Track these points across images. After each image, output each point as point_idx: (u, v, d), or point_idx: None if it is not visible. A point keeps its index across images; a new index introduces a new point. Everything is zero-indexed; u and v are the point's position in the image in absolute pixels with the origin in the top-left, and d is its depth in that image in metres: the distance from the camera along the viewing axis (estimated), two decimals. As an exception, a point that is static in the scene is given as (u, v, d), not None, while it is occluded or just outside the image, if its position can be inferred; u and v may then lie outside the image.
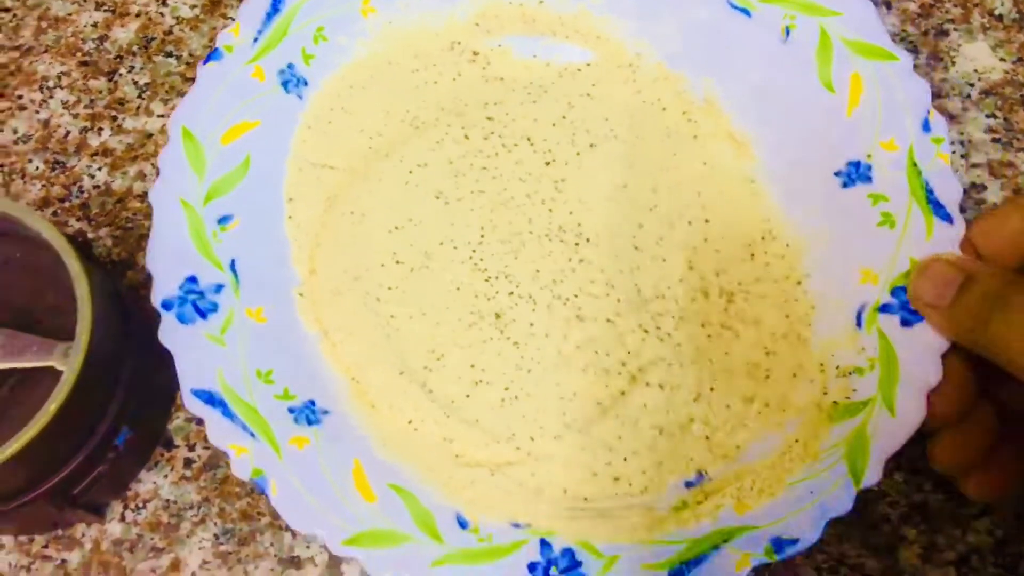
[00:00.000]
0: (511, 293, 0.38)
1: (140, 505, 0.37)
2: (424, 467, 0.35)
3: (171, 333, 0.34)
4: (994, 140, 0.44)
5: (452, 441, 0.35)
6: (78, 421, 0.32)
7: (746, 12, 0.41)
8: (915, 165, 0.37)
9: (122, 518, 0.37)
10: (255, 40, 0.40)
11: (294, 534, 0.37)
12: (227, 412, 0.33)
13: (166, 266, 0.36)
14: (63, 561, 0.36)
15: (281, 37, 0.41)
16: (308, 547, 0.36)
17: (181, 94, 0.45)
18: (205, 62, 0.39)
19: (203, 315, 0.35)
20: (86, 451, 0.33)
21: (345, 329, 0.37)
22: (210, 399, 0.34)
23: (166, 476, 0.38)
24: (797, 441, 0.34)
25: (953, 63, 0.40)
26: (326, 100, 0.41)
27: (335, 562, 0.36)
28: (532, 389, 0.36)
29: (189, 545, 0.36)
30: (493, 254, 0.39)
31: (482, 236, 0.39)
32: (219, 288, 0.36)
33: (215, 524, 0.37)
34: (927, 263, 0.34)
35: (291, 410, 0.34)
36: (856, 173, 0.38)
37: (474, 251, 0.39)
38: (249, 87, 0.40)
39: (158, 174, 0.37)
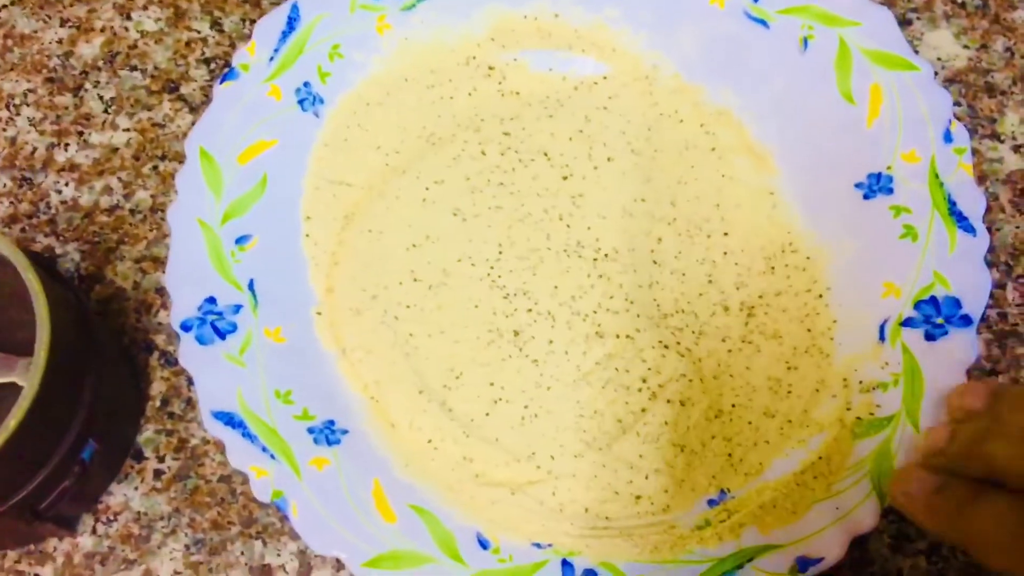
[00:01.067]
0: (529, 310, 0.38)
1: (111, 518, 0.37)
2: (444, 487, 0.34)
3: (190, 354, 0.34)
4: (959, 127, 0.44)
5: (472, 460, 0.35)
6: (40, 436, 0.32)
7: (764, 23, 0.41)
8: (937, 176, 0.37)
9: (93, 531, 0.37)
10: (271, 59, 0.40)
11: (264, 542, 0.37)
12: (247, 433, 0.33)
13: (184, 287, 0.36)
14: (36, 575, 0.36)
15: (297, 55, 0.41)
16: (279, 555, 0.36)
17: (147, 108, 0.45)
18: (221, 81, 0.39)
19: (222, 336, 0.35)
20: (50, 466, 0.33)
21: (363, 348, 0.37)
22: (229, 420, 0.34)
23: (136, 488, 0.38)
24: (821, 458, 0.34)
25: (917, 52, 0.40)
26: (342, 118, 0.41)
27: (305, 570, 0.36)
28: (552, 407, 0.36)
29: (160, 556, 0.37)
30: (511, 271, 0.39)
31: (500, 253, 0.39)
32: (237, 308, 0.36)
33: (186, 535, 0.37)
34: (907, 471, 0.32)
35: (310, 430, 0.34)
36: (877, 185, 0.38)
37: (492, 268, 0.39)
38: (265, 106, 0.40)
39: (176, 194, 0.37)
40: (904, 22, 0.46)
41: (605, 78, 0.43)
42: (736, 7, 0.42)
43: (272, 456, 0.33)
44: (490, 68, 0.43)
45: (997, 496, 0.29)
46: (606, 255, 0.39)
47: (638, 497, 0.35)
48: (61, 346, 0.31)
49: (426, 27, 0.43)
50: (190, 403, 0.39)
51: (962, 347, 0.34)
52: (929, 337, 0.34)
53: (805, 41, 0.41)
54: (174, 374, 0.39)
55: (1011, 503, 0.28)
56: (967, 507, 0.29)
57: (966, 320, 0.34)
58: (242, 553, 0.36)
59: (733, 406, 0.36)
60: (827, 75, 0.40)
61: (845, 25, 0.40)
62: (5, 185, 0.43)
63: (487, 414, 0.36)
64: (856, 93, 0.39)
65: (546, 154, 0.41)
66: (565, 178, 0.41)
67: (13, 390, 0.31)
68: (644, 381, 0.37)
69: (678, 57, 0.43)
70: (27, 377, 0.31)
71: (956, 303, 0.35)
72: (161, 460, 0.38)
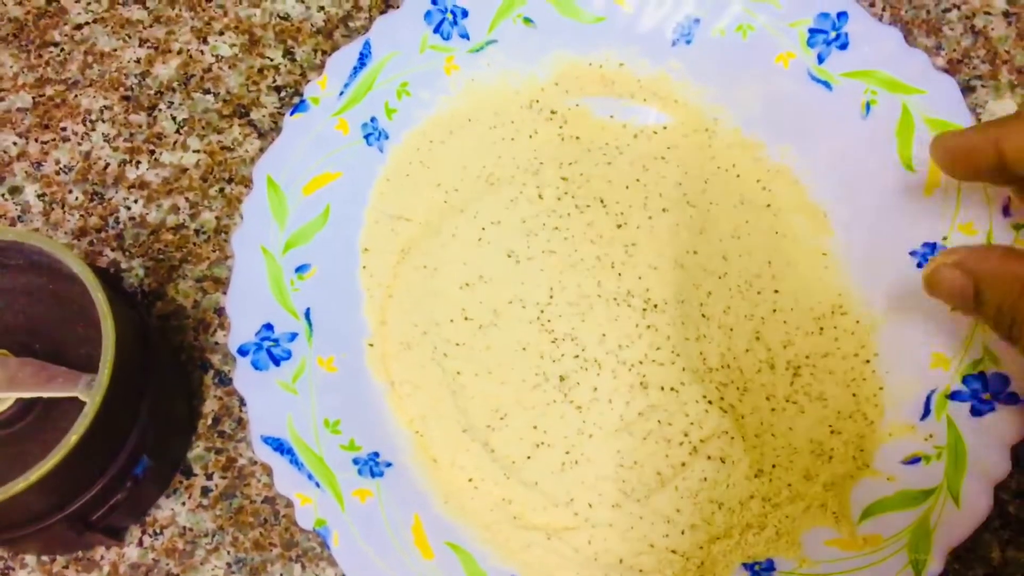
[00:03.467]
0: (576, 356, 0.38)
1: (158, 531, 0.38)
2: (482, 526, 0.35)
3: (245, 379, 0.36)
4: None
5: (511, 502, 0.36)
6: (98, 452, 0.33)
7: (827, 85, 0.41)
8: (993, 250, 0.37)
9: (140, 543, 0.38)
10: (341, 93, 0.41)
11: (303, 566, 0.37)
12: (295, 460, 0.34)
13: (244, 312, 0.37)
14: (81, 583, 0.37)
15: (366, 91, 0.42)
16: (315, 580, 0.37)
17: (217, 131, 0.46)
18: (292, 113, 0.41)
19: (276, 363, 0.36)
20: (104, 480, 0.34)
21: (412, 382, 0.38)
22: (279, 446, 0.35)
23: (184, 503, 0.39)
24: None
25: (979, 120, 0.40)
26: (406, 154, 0.42)
27: (341, 595, 0.37)
28: (592, 455, 0.37)
29: (202, 572, 0.38)
30: (561, 315, 0.39)
31: (551, 297, 0.39)
32: (293, 336, 0.37)
33: (228, 552, 0.38)
34: (933, 274, 0.33)
35: (355, 461, 0.35)
36: (932, 255, 0.38)
37: (542, 311, 0.39)
38: (333, 139, 0.41)
39: (241, 220, 0.39)
40: (967, 89, 0.46)
41: (665, 128, 0.44)
42: (800, 68, 0.42)
43: (317, 485, 0.34)
44: (552, 112, 0.44)
45: None
46: (655, 306, 0.39)
47: (673, 551, 0.35)
48: (123, 365, 0.32)
49: (492, 69, 0.44)
50: (240, 423, 0.40)
51: (1008, 424, 0.34)
52: (975, 412, 0.34)
53: (868, 106, 0.41)
54: (227, 394, 0.41)
55: None
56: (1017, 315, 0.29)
57: (1013, 398, 0.34)
58: (281, 575, 0.37)
59: (773, 467, 0.36)
60: (888, 141, 0.40)
61: (909, 92, 0.40)
62: (77, 198, 0.45)
63: (528, 457, 0.37)
64: (916, 160, 0.40)
65: (602, 201, 0.42)
66: (619, 226, 0.41)
67: (75, 404, 0.32)
68: (686, 435, 0.37)
69: (739, 113, 0.43)
70: (89, 394, 0.32)
71: (1004, 380, 0.35)
72: (209, 477, 0.39)
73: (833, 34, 0.42)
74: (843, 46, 0.42)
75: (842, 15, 0.42)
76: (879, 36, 0.41)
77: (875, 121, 0.41)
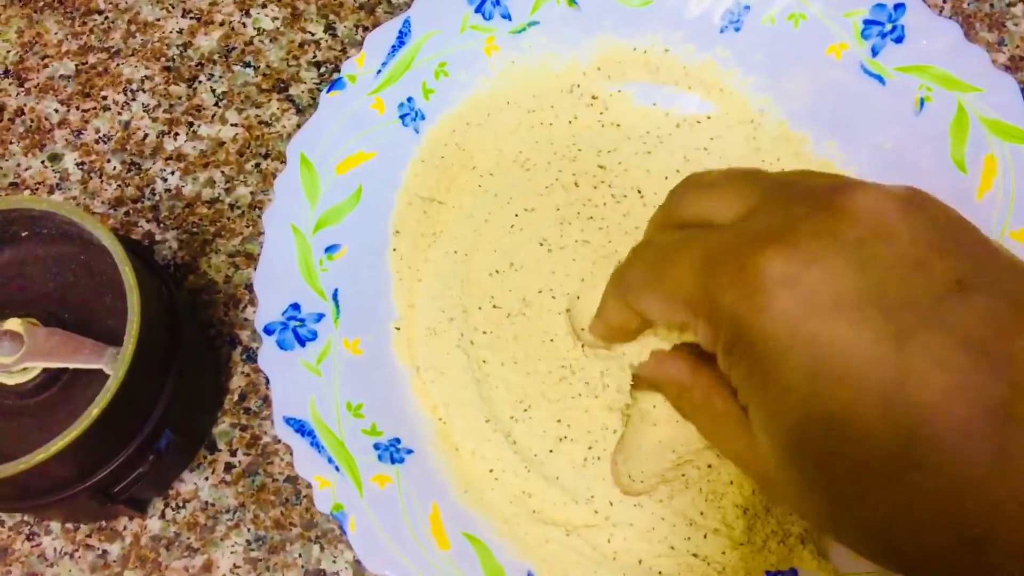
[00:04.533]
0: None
1: (180, 504, 0.38)
2: (500, 519, 0.35)
3: (270, 358, 0.35)
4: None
5: (531, 496, 0.35)
6: (121, 425, 0.33)
7: (880, 79, 0.40)
8: (1046, 260, 0.35)
9: (162, 515, 0.38)
10: (378, 72, 0.41)
11: (322, 547, 0.37)
12: (315, 443, 0.34)
13: (272, 291, 0.37)
14: (104, 552, 0.38)
15: (404, 70, 0.41)
16: (335, 562, 0.37)
17: (256, 105, 0.46)
18: (328, 90, 0.40)
19: (302, 343, 0.36)
20: (127, 453, 0.34)
21: (436, 368, 0.38)
22: (300, 428, 0.34)
23: (207, 478, 0.39)
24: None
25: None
26: (441, 135, 0.41)
27: (360, 577, 0.37)
28: (616, 452, 0.36)
29: (222, 548, 0.38)
30: (591, 307, 0.38)
31: (581, 288, 0.39)
32: (319, 317, 0.37)
33: (248, 530, 0.38)
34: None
35: (376, 446, 0.35)
36: (980, 261, 0.36)
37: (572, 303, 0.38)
38: (368, 118, 0.40)
39: (273, 197, 0.38)
40: (1030, 88, 0.44)
41: (709, 118, 0.42)
42: (852, 60, 0.41)
43: (337, 468, 0.34)
44: (593, 97, 0.43)
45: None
46: (689, 302, 0.38)
47: (694, 555, 0.34)
48: (149, 339, 0.32)
49: (534, 52, 0.43)
50: (266, 401, 0.40)
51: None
52: None
53: (921, 102, 0.39)
54: (254, 370, 0.40)
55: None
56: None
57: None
58: (300, 555, 0.37)
59: (802, 474, 0.35)
60: (940, 140, 0.39)
61: (966, 90, 0.39)
62: (115, 168, 0.45)
63: (550, 451, 0.36)
64: (969, 162, 0.38)
65: (640, 191, 0.41)
66: (656, 218, 0.40)
67: (100, 376, 0.32)
68: (713, 436, 0.36)
69: (787, 104, 0.42)
70: (114, 367, 0.32)
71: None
72: (233, 454, 0.39)
73: (889, 26, 0.40)
74: (899, 39, 0.40)
75: (899, 7, 0.40)
76: (937, 30, 0.40)
77: (928, 119, 0.39)
